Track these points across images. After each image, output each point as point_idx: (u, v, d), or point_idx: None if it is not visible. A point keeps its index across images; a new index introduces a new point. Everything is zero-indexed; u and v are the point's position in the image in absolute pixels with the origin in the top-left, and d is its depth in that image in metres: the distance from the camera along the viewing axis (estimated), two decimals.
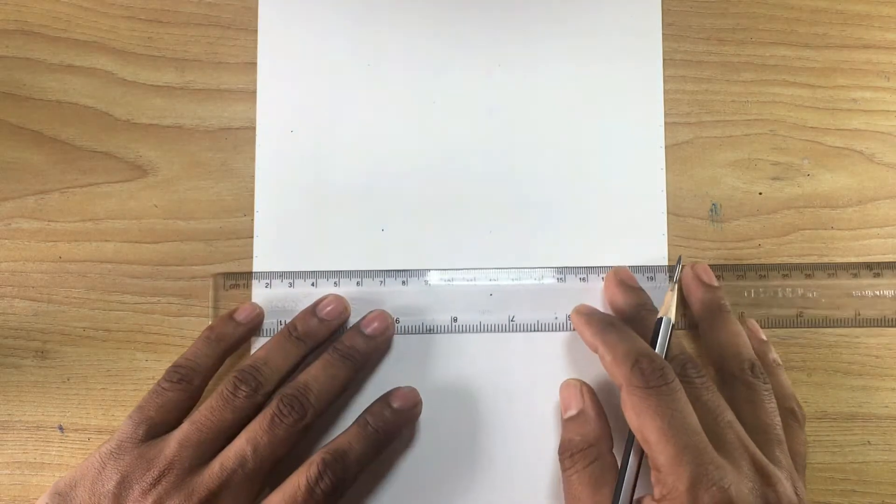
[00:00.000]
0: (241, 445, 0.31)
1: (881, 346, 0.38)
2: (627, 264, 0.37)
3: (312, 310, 0.36)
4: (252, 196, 0.38)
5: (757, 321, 0.37)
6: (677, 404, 0.30)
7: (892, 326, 0.37)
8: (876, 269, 0.37)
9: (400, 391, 0.35)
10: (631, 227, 0.38)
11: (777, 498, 0.29)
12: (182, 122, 0.39)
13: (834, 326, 0.37)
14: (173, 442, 0.31)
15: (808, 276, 0.37)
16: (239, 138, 0.39)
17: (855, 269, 0.38)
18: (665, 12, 0.39)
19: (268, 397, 0.33)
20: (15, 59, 0.39)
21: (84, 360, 0.37)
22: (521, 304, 0.37)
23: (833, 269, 0.38)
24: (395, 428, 0.34)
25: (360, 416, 0.34)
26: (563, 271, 0.38)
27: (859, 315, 0.37)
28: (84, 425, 0.37)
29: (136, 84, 0.39)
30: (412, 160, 0.39)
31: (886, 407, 0.37)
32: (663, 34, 0.39)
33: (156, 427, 0.32)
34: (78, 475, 0.31)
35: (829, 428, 0.37)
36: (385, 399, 0.35)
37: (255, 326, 0.37)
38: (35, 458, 0.37)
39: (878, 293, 0.37)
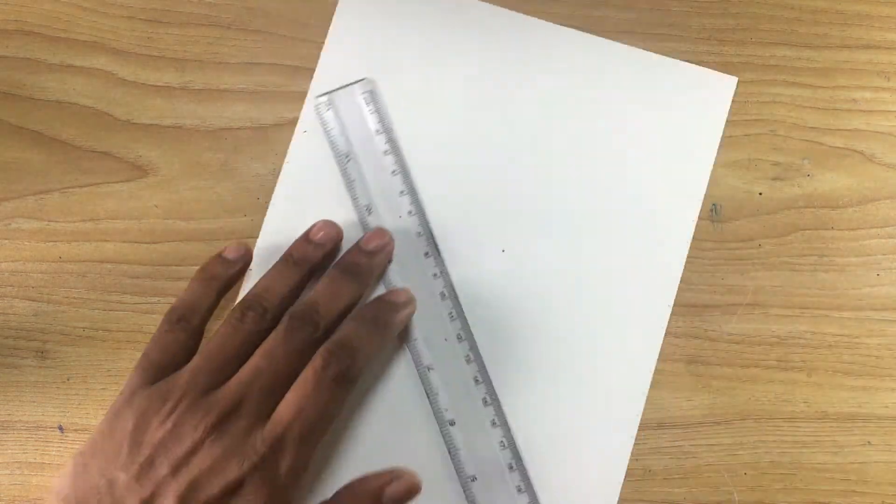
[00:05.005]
0: (255, 361, 0.32)
1: (881, 346, 0.38)
2: (636, 272, 0.37)
3: (305, 236, 0.36)
4: (252, 196, 0.38)
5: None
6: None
7: None
8: None
9: (394, 291, 0.36)
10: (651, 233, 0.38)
11: None
12: (182, 122, 0.39)
13: None
14: (185, 373, 0.31)
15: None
16: (239, 138, 0.39)
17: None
18: (665, 12, 0.39)
19: (275, 323, 0.33)
20: (15, 59, 0.39)
21: (84, 360, 0.37)
22: None
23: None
24: (391, 317, 0.34)
25: (353, 311, 0.34)
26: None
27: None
28: (84, 425, 0.37)
29: (136, 84, 0.39)
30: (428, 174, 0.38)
31: (886, 407, 0.37)
32: (662, 34, 0.39)
33: (163, 369, 0.32)
34: (95, 433, 0.31)
35: (829, 428, 0.37)
36: (378, 297, 0.35)
37: (245, 264, 0.36)
38: (35, 458, 0.37)
39: None
